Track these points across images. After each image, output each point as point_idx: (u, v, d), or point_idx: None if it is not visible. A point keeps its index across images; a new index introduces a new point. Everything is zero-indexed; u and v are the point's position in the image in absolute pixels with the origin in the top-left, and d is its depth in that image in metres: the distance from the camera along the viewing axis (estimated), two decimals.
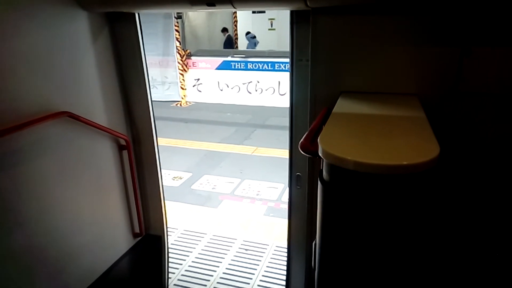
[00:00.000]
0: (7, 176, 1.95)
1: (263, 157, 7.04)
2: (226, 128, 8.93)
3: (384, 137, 1.32)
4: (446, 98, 1.86)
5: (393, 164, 1.06)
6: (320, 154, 1.19)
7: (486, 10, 1.70)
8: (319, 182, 1.30)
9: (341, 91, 1.98)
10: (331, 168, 1.21)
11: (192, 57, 11.11)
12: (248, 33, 14.55)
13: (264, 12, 13.71)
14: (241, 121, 9.49)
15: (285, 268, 2.85)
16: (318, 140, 1.22)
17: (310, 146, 1.43)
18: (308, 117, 2.18)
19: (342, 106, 1.76)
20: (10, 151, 1.96)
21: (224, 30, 14.07)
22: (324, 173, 1.28)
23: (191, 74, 11.17)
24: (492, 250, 2.02)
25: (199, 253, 3.98)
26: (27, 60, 2.01)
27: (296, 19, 2.18)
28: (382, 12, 1.84)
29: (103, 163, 2.66)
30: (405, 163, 1.06)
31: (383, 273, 1.26)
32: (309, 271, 2.57)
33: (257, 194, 5.51)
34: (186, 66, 11.05)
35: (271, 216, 4.91)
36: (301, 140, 1.48)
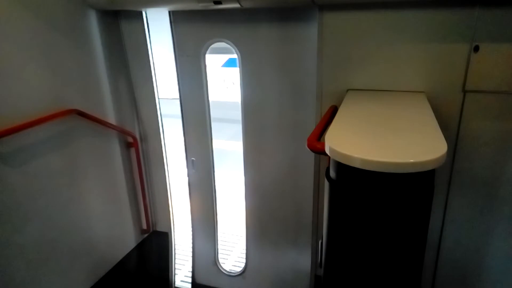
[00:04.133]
0: (18, 172, 1.99)
1: None
2: (233, 125, 8.89)
3: (391, 135, 1.31)
4: (454, 96, 1.84)
5: (401, 162, 1.05)
6: (327, 152, 1.19)
7: (494, 6, 1.68)
8: (326, 180, 1.30)
9: (348, 89, 1.97)
10: (338, 166, 1.21)
11: None
12: None
13: None
14: None
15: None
16: (325, 138, 1.22)
17: (317, 144, 1.43)
18: (313, 114, 2.18)
19: (349, 103, 1.75)
20: (21, 148, 1.99)
21: None
22: (331, 171, 1.28)
23: None
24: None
25: None
26: (37, 58, 2.04)
27: (173, 19, 2.46)
28: (390, 9, 1.82)
29: (110, 160, 2.69)
30: (412, 161, 1.05)
31: (391, 270, 1.25)
32: (315, 268, 2.58)
33: None
34: None
35: None
36: (308, 137, 1.48)
